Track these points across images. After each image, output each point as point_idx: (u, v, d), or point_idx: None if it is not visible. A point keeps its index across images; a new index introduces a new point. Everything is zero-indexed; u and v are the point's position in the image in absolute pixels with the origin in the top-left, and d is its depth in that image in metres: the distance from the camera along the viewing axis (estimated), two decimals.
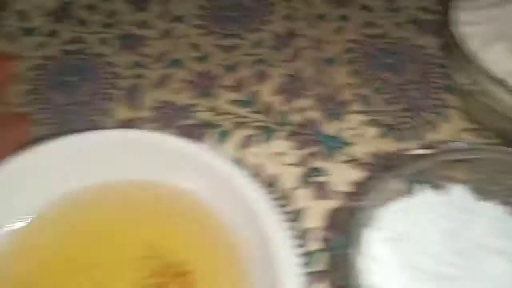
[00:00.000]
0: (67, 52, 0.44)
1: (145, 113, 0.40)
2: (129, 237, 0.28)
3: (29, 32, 0.46)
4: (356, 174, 0.37)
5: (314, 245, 0.33)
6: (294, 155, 0.38)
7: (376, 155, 0.38)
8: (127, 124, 0.39)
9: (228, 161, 0.29)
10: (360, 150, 0.39)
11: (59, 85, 0.42)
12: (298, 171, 0.37)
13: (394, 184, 0.30)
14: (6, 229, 0.27)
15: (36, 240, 0.28)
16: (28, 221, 0.28)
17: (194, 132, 0.39)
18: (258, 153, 0.38)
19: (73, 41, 0.45)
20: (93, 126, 0.39)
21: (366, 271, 0.27)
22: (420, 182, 0.31)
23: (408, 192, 0.31)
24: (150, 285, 0.26)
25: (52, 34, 0.46)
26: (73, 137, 0.29)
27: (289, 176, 0.37)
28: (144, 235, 0.28)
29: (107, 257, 0.27)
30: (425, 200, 0.31)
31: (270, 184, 0.36)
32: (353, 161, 0.38)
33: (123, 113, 0.40)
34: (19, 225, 0.28)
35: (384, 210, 0.30)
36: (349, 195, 0.36)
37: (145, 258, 0.27)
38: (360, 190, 0.36)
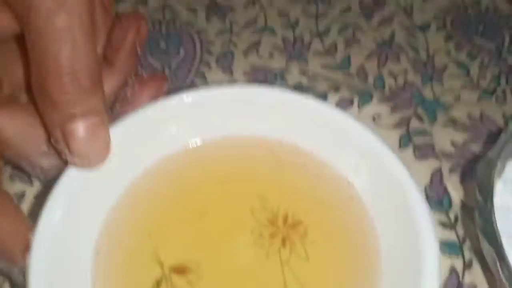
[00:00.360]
0: (158, 21, 0.45)
1: (238, 77, 0.40)
2: (243, 189, 0.28)
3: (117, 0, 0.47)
4: (459, 136, 0.36)
5: None
6: (392, 117, 0.37)
7: (478, 118, 0.37)
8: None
9: (347, 115, 0.28)
10: (459, 113, 0.37)
11: (153, 51, 0.42)
12: (396, 133, 0.36)
13: None
14: (127, 178, 0.28)
15: (154, 189, 0.28)
16: (149, 171, 0.28)
17: None
18: (355, 116, 0.38)
19: (162, 9, 0.46)
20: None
21: (499, 221, 0.26)
22: None
23: None
24: (263, 234, 0.26)
25: (142, 1, 0.46)
26: (200, 91, 0.29)
27: (388, 139, 0.35)
28: (258, 187, 0.28)
29: (221, 207, 0.27)
30: None
31: None
32: (453, 123, 0.37)
33: (217, 77, 0.40)
34: (141, 173, 0.28)
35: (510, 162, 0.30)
36: (454, 156, 0.35)
37: (258, 209, 0.27)
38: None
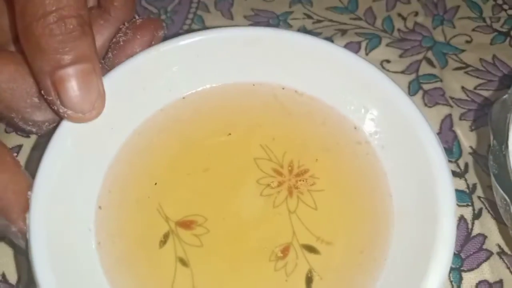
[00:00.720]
0: None
1: (239, 22, 0.38)
2: (246, 140, 0.27)
3: None
4: (470, 81, 0.34)
5: None
6: (401, 62, 0.35)
7: (490, 62, 0.35)
8: None
9: (355, 55, 0.27)
10: (471, 56, 0.35)
11: None
12: (406, 79, 0.35)
13: None
14: (125, 131, 0.26)
15: (154, 143, 0.27)
16: (147, 123, 0.27)
17: None
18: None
19: None
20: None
21: None
22: None
23: None
24: (269, 185, 0.25)
25: None
26: (196, 34, 0.27)
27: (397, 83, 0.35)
28: (261, 137, 0.27)
29: (225, 159, 0.26)
30: None
31: None
32: (464, 67, 0.35)
33: (216, 22, 0.38)
34: (139, 126, 0.27)
35: None
36: (465, 102, 0.33)
37: (262, 160, 0.26)
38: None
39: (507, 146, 0.26)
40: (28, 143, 0.31)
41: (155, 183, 0.25)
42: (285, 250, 0.24)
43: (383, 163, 0.25)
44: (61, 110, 0.23)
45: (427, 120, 0.24)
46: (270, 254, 0.24)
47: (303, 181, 0.26)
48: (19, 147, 0.31)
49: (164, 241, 0.24)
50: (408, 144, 0.24)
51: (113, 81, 0.25)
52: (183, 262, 0.23)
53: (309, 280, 0.23)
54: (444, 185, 0.22)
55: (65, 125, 0.24)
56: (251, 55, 0.27)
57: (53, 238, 0.22)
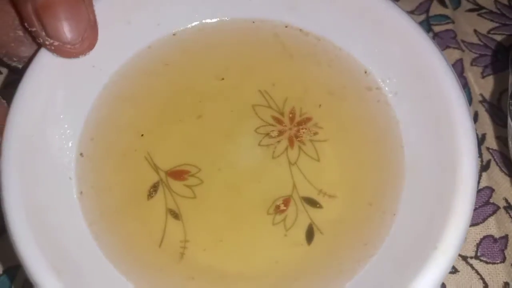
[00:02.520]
0: None
1: None
2: (244, 84, 0.24)
3: None
4: (481, 24, 0.32)
5: None
6: (411, 1, 0.32)
7: (507, 4, 0.32)
8: None
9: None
10: None
11: None
12: (415, 19, 0.33)
13: None
14: (111, 69, 0.23)
15: (141, 84, 0.24)
16: (134, 62, 0.24)
17: None
18: None
19: None
20: None
21: None
22: None
23: None
24: (268, 134, 0.23)
25: None
26: None
27: None
28: (261, 81, 0.24)
29: (220, 105, 0.23)
30: None
31: None
32: (478, 9, 0.32)
33: None
34: (124, 64, 0.24)
35: None
36: (477, 46, 0.31)
37: (261, 106, 0.24)
38: None
39: None
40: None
41: (144, 129, 0.23)
42: (285, 203, 0.21)
43: (396, 111, 0.23)
44: (47, 42, 0.20)
45: (448, 63, 0.21)
46: (269, 207, 0.21)
47: (305, 130, 0.23)
48: None
49: (153, 192, 0.22)
50: (425, 89, 0.21)
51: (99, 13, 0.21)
52: (174, 214, 0.21)
53: (310, 234, 0.21)
54: (465, 133, 0.20)
55: (42, 59, 0.21)
56: None
57: (28, 186, 0.19)
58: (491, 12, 0.32)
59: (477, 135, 0.27)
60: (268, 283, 0.21)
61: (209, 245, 0.21)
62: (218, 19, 0.25)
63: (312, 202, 0.22)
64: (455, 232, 0.18)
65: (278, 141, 0.23)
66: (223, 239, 0.21)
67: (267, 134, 0.23)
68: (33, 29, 0.20)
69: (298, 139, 0.23)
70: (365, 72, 0.24)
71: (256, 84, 0.24)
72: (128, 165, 0.22)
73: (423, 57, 0.22)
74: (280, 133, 0.23)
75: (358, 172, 0.22)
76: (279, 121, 0.23)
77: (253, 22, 0.25)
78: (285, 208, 0.21)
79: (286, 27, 0.25)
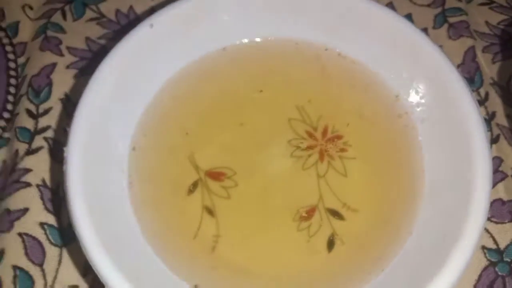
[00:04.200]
0: None
1: None
2: (283, 99, 0.26)
3: None
4: (493, 16, 0.33)
5: None
6: None
7: None
8: None
9: (403, 19, 0.25)
10: None
11: None
12: (432, 12, 0.33)
13: None
14: (164, 76, 0.26)
15: (192, 90, 0.26)
16: (187, 70, 0.26)
17: None
18: None
19: None
20: None
21: None
22: None
23: None
24: (300, 146, 0.25)
25: None
26: None
27: (423, 17, 0.33)
28: (298, 97, 0.26)
29: (260, 115, 0.25)
30: None
31: None
32: (490, 2, 0.34)
33: None
34: (178, 72, 0.26)
35: None
36: (488, 35, 0.32)
37: (296, 121, 0.25)
38: None
39: None
40: (62, 62, 0.30)
41: (190, 131, 0.25)
42: (310, 212, 0.23)
43: (421, 137, 0.24)
44: None
45: (475, 99, 0.23)
46: (295, 214, 0.23)
47: (336, 147, 0.24)
48: (54, 65, 0.30)
49: (193, 189, 0.23)
50: (450, 118, 0.23)
51: (155, 27, 0.24)
52: (210, 211, 0.23)
53: (330, 243, 0.23)
54: (482, 167, 0.21)
55: (108, 63, 0.23)
56: (294, 11, 0.26)
57: (88, 174, 0.21)
58: (501, 6, 0.34)
59: (488, 112, 0.30)
60: (285, 284, 0.22)
61: (238, 242, 0.23)
62: (263, 38, 0.27)
63: (336, 214, 0.23)
64: (463, 255, 0.20)
65: (309, 155, 0.24)
66: (251, 238, 0.23)
67: (299, 147, 0.25)
68: None
69: (328, 154, 0.24)
70: (396, 97, 0.25)
71: (293, 99, 0.26)
72: (173, 161, 0.24)
73: (452, 91, 0.23)
74: (312, 147, 0.25)
75: (381, 191, 0.24)
76: (312, 136, 0.25)
77: (296, 43, 0.26)
78: (310, 216, 0.23)
79: (326, 49, 0.26)
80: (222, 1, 0.25)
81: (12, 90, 0.29)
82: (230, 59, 0.26)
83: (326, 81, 0.26)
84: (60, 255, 0.25)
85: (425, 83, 0.24)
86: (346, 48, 0.26)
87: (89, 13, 0.32)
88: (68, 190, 0.21)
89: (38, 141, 0.27)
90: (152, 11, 0.31)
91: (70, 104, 0.28)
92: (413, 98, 0.25)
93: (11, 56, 0.30)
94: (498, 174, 0.28)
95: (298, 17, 0.26)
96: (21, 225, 0.25)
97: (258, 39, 0.27)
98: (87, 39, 0.31)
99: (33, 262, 0.24)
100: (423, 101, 0.24)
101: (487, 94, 0.30)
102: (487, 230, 0.26)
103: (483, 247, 0.25)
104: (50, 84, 0.29)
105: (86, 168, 0.21)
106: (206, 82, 0.26)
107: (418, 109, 0.25)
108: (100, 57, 0.24)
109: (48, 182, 0.26)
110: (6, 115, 0.28)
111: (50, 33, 0.31)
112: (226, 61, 0.26)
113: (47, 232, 0.25)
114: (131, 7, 0.32)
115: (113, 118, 0.23)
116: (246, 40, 0.27)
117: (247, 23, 0.26)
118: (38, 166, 0.27)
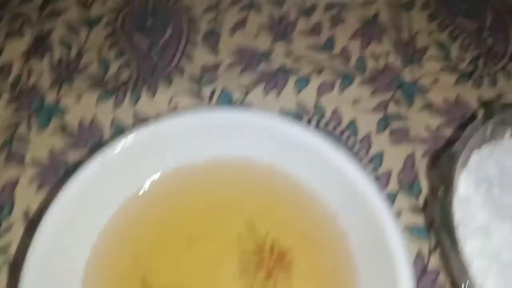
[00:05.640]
0: None
1: (224, 58, 0.38)
2: (231, 215, 0.28)
3: None
4: (434, 120, 0.36)
5: (392, 188, 0.33)
6: (371, 101, 0.36)
7: (453, 102, 0.36)
8: (209, 68, 0.38)
9: (338, 150, 0.28)
10: (435, 96, 0.37)
11: (141, 28, 0.40)
12: (375, 117, 0.35)
13: (486, 129, 0.30)
14: (115, 203, 0.28)
15: (143, 214, 0.28)
16: (141, 193, 0.29)
17: (273, 79, 0.37)
18: (335, 99, 0.36)
19: None
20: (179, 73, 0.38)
21: (457, 209, 0.28)
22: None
23: (498, 137, 0.31)
24: (249, 264, 0.27)
25: None
26: (188, 115, 0.29)
27: (366, 123, 0.35)
28: (246, 213, 0.28)
29: (209, 234, 0.27)
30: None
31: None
32: (429, 107, 0.36)
33: (203, 58, 0.38)
34: (129, 198, 0.28)
35: (476, 153, 0.31)
36: (427, 140, 0.35)
37: (245, 236, 0.27)
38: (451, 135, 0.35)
39: (451, 197, 0.28)
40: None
41: (141, 255, 0.27)
42: None
43: (357, 262, 0.27)
44: None
45: (396, 221, 0.26)
46: None
47: (282, 265, 0.27)
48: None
49: None
50: (378, 246, 0.26)
51: (110, 153, 0.27)
52: None
53: None
54: (403, 270, 0.24)
55: (61, 200, 0.26)
56: (240, 135, 0.29)
57: None
58: (440, 109, 0.36)
59: (426, 220, 0.32)
60: None
61: None
62: (207, 158, 0.29)
63: None
64: None
65: (257, 273, 0.26)
66: None
67: (248, 265, 0.27)
68: None
69: (275, 273, 0.26)
70: (334, 216, 0.28)
71: (242, 216, 0.28)
72: (125, 285, 0.26)
73: (375, 215, 0.26)
74: (259, 265, 0.27)
75: None
76: (260, 252, 0.27)
77: (242, 162, 0.29)
78: None
79: (271, 167, 0.29)
80: (169, 128, 0.28)
81: None
82: (180, 181, 0.29)
83: (273, 198, 0.29)
84: None
85: (354, 206, 0.27)
86: (290, 167, 0.29)
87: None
88: None
89: None
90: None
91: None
92: (347, 217, 0.28)
93: None
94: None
95: (245, 141, 0.29)
96: None
97: (206, 161, 0.29)
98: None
99: None
100: (354, 222, 0.27)
101: (426, 202, 0.32)
102: None
103: None
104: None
105: None
106: (156, 205, 0.28)
107: (352, 230, 0.27)
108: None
109: None
110: None
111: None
112: (175, 183, 0.29)
113: None
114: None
115: (66, 246, 0.25)
116: (194, 160, 0.29)
117: (194, 148, 0.29)
118: None
